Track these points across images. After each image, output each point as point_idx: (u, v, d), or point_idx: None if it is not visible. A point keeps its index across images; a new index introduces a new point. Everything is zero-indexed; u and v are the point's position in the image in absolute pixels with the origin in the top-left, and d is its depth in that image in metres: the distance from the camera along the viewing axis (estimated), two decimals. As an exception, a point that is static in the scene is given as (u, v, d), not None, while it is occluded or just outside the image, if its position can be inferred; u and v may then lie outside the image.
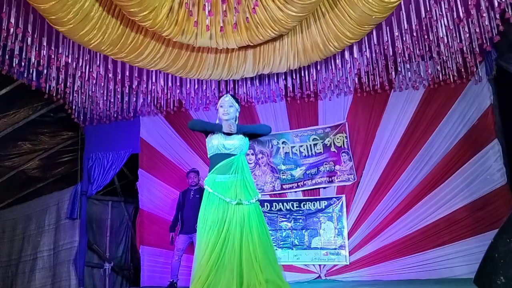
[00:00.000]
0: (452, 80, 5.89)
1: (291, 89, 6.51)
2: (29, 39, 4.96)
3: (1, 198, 8.11)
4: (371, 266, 6.05)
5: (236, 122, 3.66)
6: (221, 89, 6.66)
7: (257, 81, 6.58)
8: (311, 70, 6.20)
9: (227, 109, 3.59)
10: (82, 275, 6.97)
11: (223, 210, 3.28)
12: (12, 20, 4.62)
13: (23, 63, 5.22)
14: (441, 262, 5.75)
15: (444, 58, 5.59)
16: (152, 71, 5.97)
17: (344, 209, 6.31)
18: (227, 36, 5.04)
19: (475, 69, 5.84)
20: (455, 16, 4.88)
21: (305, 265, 6.35)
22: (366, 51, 5.62)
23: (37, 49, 5.17)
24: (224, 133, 3.51)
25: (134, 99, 6.72)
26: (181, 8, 4.65)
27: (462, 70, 5.77)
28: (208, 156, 3.57)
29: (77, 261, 7.00)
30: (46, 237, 7.40)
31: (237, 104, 3.69)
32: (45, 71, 5.59)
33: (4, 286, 7.51)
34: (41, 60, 5.32)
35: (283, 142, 6.81)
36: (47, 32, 5.07)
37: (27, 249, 7.53)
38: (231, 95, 3.76)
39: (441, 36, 5.10)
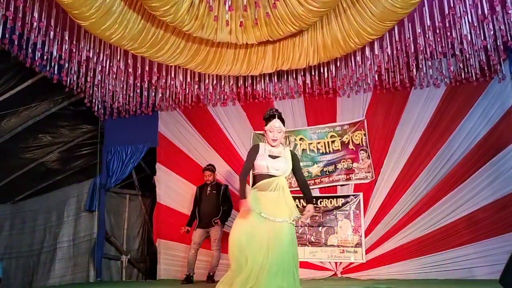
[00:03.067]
0: (474, 78, 5.77)
1: (309, 85, 6.47)
2: (52, 33, 5.04)
3: (21, 189, 8.25)
4: (388, 265, 6.00)
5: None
6: (239, 85, 6.66)
7: (275, 77, 6.56)
8: (331, 67, 6.15)
9: (276, 135, 3.57)
10: (100, 266, 7.08)
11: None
12: (36, 15, 4.70)
13: (45, 57, 5.32)
14: (460, 262, 5.67)
15: (467, 55, 5.49)
16: (171, 66, 6.00)
17: (362, 207, 6.26)
18: (247, 32, 5.04)
19: (498, 67, 5.72)
20: (479, 13, 4.79)
21: (321, 262, 6.33)
22: (387, 47, 5.55)
23: (59, 43, 5.27)
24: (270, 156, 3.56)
25: (153, 93, 6.77)
26: (201, 3, 4.66)
27: (485, 68, 5.67)
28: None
29: (95, 252, 7.11)
30: (66, 228, 7.53)
31: (284, 127, 3.66)
32: (66, 64, 5.67)
33: (25, 276, 7.67)
34: (63, 54, 5.42)
35: (300, 139, 6.79)
36: (69, 27, 5.14)
37: (48, 240, 7.67)
38: (278, 116, 3.63)
39: (465, 33, 5.01)
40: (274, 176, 3.47)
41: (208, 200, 6.19)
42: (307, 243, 6.41)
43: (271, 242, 3.27)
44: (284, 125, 3.66)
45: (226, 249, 6.49)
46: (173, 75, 6.19)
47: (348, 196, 6.40)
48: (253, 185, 3.57)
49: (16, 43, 4.93)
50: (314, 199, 6.43)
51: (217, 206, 6.17)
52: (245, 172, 3.65)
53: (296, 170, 3.70)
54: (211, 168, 6.39)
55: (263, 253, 3.25)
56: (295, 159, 3.68)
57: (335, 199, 6.44)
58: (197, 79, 6.42)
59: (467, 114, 6.04)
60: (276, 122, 3.58)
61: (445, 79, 6.16)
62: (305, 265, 6.30)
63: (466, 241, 5.72)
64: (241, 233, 3.39)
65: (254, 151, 3.63)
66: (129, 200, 8.22)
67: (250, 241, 3.31)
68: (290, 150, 3.74)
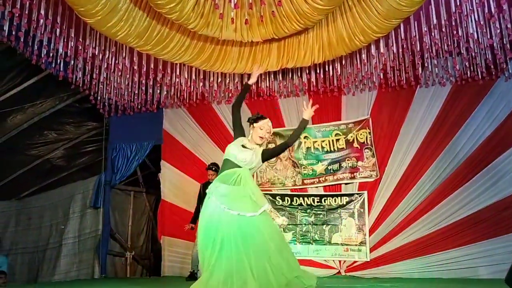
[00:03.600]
0: (480, 76, 5.75)
1: (314, 83, 6.46)
2: (58, 30, 5.06)
3: (27, 186, 8.29)
4: (392, 264, 6.00)
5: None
6: (244, 82, 6.66)
7: (280, 75, 6.56)
8: (336, 65, 6.14)
9: (265, 134, 3.53)
10: (104, 263, 7.12)
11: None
12: (42, 12, 4.72)
13: (51, 54, 5.34)
14: (464, 261, 5.67)
15: (473, 54, 5.47)
16: (176, 64, 6.01)
17: (366, 206, 6.25)
18: (252, 29, 5.04)
19: (505, 66, 5.69)
20: (486, 12, 4.77)
21: (325, 260, 6.33)
22: (392, 45, 5.53)
23: (65, 40, 5.28)
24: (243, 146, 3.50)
25: (158, 91, 6.78)
26: (207, 1, 4.68)
27: (491, 66, 5.65)
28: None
29: (99, 249, 7.15)
30: (72, 224, 7.58)
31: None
32: (72, 62, 5.70)
33: (30, 272, 7.72)
34: (69, 51, 5.43)
35: (305, 137, 6.78)
36: (75, 24, 5.16)
37: (54, 236, 7.73)
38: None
39: (471, 32, 4.98)
40: (238, 166, 3.37)
41: None
42: (311, 241, 6.41)
43: (240, 239, 3.13)
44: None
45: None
46: (178, 73, 6.20)
47: (352, 194, 6.39)
48: (220, 170, 3.50)
49: (22, 40, 4.96)
50: (318, 197, 6.50)
51: None
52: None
53: (270, 152, 3.67)
54: (215, 168, 6.38)
55: (234, 251, 3.11)
56: (264, 151, 3.55)
57: (339, 198, 6.43)
58: (202, 77, 6.42)
59: (472, 113, 6.03)
60: (269, 122, 3.57)
61: (451, 78, 6.14)
62: (308, 263, 6.32)
63: (470, 240, 5.71)
64: (202, 233, 3.27)
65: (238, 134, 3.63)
66: (134, 197, 8.26)
67: (212, 242, 3.17)
68: (261, 149, 3.60)
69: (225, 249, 3.12)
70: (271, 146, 6.87)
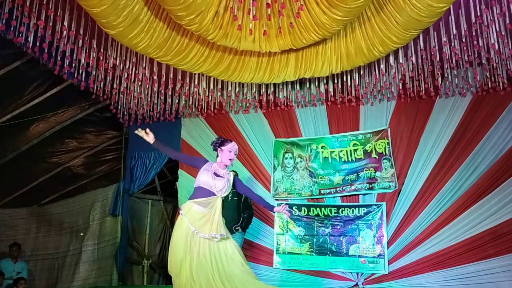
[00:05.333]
0: (501, 87, 5.68)
1: (332, 93, 6.45)
2: (80, 41, 5.18)
3: (48, 193, 8.44)
4: (411, 277, 5.90)
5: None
6: (261, 92, 6.70)
7: (297, 84, 6.57)
8: (354, 75, 6.13)
9: (233, 156, 3.85)
10: (122, 270, 7.18)
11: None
12: (66, 23, 4.84)
13: (73, 64, 5.46)
14: (485, 276, 5.55)
15: (494, 64, 5.40)
16: (194, 73, 6.08)
17: (385, 217, 6.17)
18: (270, 40, 5.07)
19: (527, 76, 5.60)
20: (507, 22, 4.71)
21: (342, 272, 6.26)
22: (412, 56, 5.50)
23: (87, 51, 5.40)
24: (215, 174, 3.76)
25: (177, 100, 6.86)
26: (226, 13, 4.72)
27: (513, 77, 5.56)
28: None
29: (117, 256, 7.21)
30: (91, 232, 7.68)
31: None
32: (93, 72, 5.81)
33: (50, 278, 7.82)
34: (91, 62, 5.55)
35: (322, 147, 6.75)
36: (97, 35, 5.28)
37: (74, 243, 7.83)
38: None
39: (492, 42, 4.93)
40: (214, 194, 3.63)
41: (228, 207, 6.19)
42: (328, 253, 6.35)
43: (215, 260, 3.50)
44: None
45: (246, 255, 6.50)
46: (196, 83, 6.28)
47: (370, 205, 6.33)
48: (192, 197, 3.71)
49: (46, 51, 5.08)
50: (336, 208, 6.45)
51: (238, 213, 6.17)
52: (177, 153, 4.25)
53: (244, 191, 4.02)
54: (235, 172, 6.41)
55: (210, 273, 3.44)
56: (237, 182, 3.90)
57: (357, 209, 6.37)
58: (220, 87, 6.48)
59: (493, 124, 5.93)
60: (235, 145, 3.88)
61: (471, 88, 6.07)
62: (325, 275, 6.27)
63: (491, 254, 5.60)
64: (178, 248, 3.55)
65: (200, 161, 3.97)
66: (152, 205, 8.32)
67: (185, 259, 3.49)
68: (233, 174, 3.94)
69: (193, 268, 3.43)
70: (288, 155, 6.89)
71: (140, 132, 3.95)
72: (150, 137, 3.97)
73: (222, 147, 3.85)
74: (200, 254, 3.48)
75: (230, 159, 3.81)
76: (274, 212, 4.22)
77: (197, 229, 3.50)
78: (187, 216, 3.57)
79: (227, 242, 3.63)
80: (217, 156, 3.91)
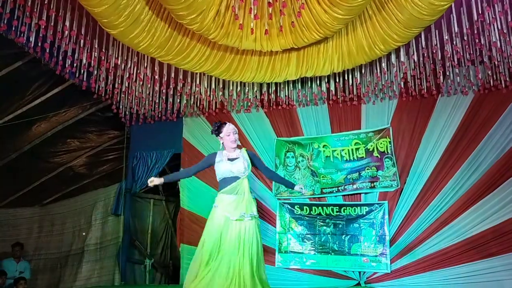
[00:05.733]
0: (503, 85, 5.67)
1: (333, 92, 6.45)
2: (82, 41, 5.19)
3: (50, 193, 8.46)
4: (413, 275, 5.89)
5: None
6: (263, 92, 6.70)
7: (299, 83, 6.57)
8: (355, 74, 6.13)
9: (233, 136, 3.90)
10: (124, 270, 7.19)
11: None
12: (67, 23, 4.85)
13: (75, 64, 5.47)
14: (488, 274, 5.53)
15: (496, 63, 5.39)
16: (196, 73, 6.08)
17: (387, 216, 6.17)
18: (271, 39, 5.07)
19: (529, 74, 5.59)
20: (509, 20, 4.70)
21: (345, 271, 6.26)
22: (413, 54, 5.50)
23: (88, 51, 5.41)
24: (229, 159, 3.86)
25: (178, 100, 6.87)
26: (227, 12, 4.72)
27: (515, 75, 5.55)
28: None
29: (120, 256, 7.23)
30: (94, 231, 7.69)
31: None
32: (95, 72, 5.82)
33: (53, 278, 7.84)
34: (92, 62, 5.56)
35: (324, 146, 6.75)
36: (99, 35, 5.29)
37: (76, 243, 7.85)
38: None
39: (494, 40, 4.92)
40: (237, 177, 3.73)
41: None
42: (330, 251, 6.34)
43: (242, 240, 3.59)
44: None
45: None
46: (198, 82, 6.29)
47: (372, 204, 6.32)
48: (219, 190, 3.83)
49: (47, 51, 5.09)
50: (338, 207, 6.44)
51: None
52: (188, 169, 4.30)
53: (259, 167, 4.09)
54: None
55: (237, 251, 3.55)
56: (253, 157, 3.98)
57: (359, 207, 6.36)
58: (221, 86, 6.49)
59: (495, 123, 5.91)
60: (230, 125, 3.96)
61: (473, 87, 6.06)
62: (328, 273, 6.27)
63: (494, 252, 5.58)
64: (210, 237, 3.65)
65: (209, 158, 4.00)
66: (153, 205, 8.32)
67: (221, 244, 3.60)
68: (246, 150, 4.00)
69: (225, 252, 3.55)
70: (290, 154, 6.89)
71: (151, 183, 3.96)
72: (158, 181, 3.94)
73: (221, 135, 3.93)
74: (232, 237, 3.59)
75: (233, 141, 3.86)
76: (294, 189, 4.30)
77: (230, 214, 3.62)
78: (220, 205, 3.69)
79: (252, 222, 3.72)
80: (222, 143, 3.98)
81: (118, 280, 7.17)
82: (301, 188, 4.21)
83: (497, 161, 5.82)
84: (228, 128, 3.92)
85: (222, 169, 3.79)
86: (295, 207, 6.63)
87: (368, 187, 6.39)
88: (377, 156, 6.42)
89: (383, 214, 6.21)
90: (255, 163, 3.99)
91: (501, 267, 5.51)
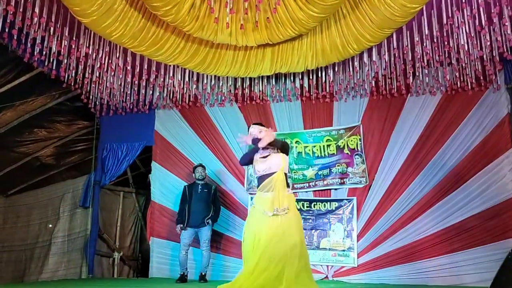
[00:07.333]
0: (470, 87, 5.85)
1: (307, 89, 6.52)
2: (52, 28, 5.04)
3: (15, 183, 8.22)
4: (379, 270, 6.05)
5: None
6: (237, 86, 6.70)
7: (273, 79, 6.60)
8: (329, 71, 6.21)
9: (255, 135, 4.10)
10: (92, 263, 7.08)
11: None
12: (37, 10, 4.69)
13: (44, 52, 5.31)
14: (450, 269, 5.73)
15: (463, 65, 5.55)
16: (169, 65, 6.02)
17: (355, 212, 6.30)
18: (246, 34, 5.07)
19: (494, 77, 5.80)
20: (477, 24, 4.86)
21: (313, 265, 6.31)
22: (385, 54, 5.61)
23: (58, 38, 5.26)
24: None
25: (151, 92, 6.78)
26: (202, 5, 4.70)
27: (481, 77, 5.75)
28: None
29: (87, 249, 7.11)
30: (61, 223, 7.53)
31: (260, 126, 4.22)
32: (65, 60, 5.66)
33: (16, 270, 7.63)
34: (62, 50, 5.40)
35: (296, 142, 6.81)
36: (70, 23, 5.14)
37: (43, 235, 7.67)
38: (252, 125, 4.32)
39: (462, 43, 5.07)
40: (270, 174, 3.85)
41: (199, 199, 6.18)
42: (300, 246, 6.42)
43: (277, 234, 3.69)
44: (261, 125, 4.23)
45: (215, 248, 6.50)
46: (171, 74, 6.22)
47: (341, 200, 6.44)
48: (258, 187, 4.01)
49: (15, 37, 4.92)
50: (308, 202, 6.53)
51: (208, 205, 6.18)
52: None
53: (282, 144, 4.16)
54: (203, 165, 6.44)
55: (273, 245, 3.65)
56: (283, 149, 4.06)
57: (328, 203, 6.48)
58: (195, 79, 6.44)
59: (461, 123, 6.11)
60: (251, 128, 4.16)
61: (441, 87, 6.23)
62: (297, 267, 6.34)
63: (456, 248, 5.78)
64: (250, 233, 3.83)
65: (252, 152, 4.16)
66: (123, 198, 8.22)
67: (259, 239, 3.72)
68: (279, 150, 4.07)
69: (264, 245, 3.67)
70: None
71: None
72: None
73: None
74: (269, 232, 3.71)
75: (255, 139, 4.00)
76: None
77: (267, 210, 3.74)
78: (257, 204, 3.84)
79: (285, 217, 3.79)
80: None
81: (85, 273, 7.06)
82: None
83: (462, 160, 6.03)
84: (250, 129, 4.19)
85: (255, 168, 4.03)
86: (266, 201, 6.67)
87: (338, 183, 6.51)
88: (347, 153, 6.54)
89: (351, 209, 6.34)
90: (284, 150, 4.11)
91: (463, 262, 5.71)
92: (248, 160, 4.24)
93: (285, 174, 3.96)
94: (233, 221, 6.76)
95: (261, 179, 3.87)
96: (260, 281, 3.57)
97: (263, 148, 4.00)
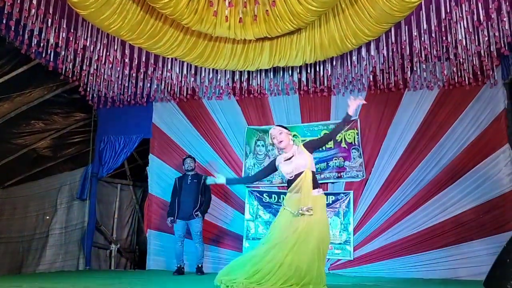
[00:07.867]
0: (467, 82, 5.88)
1: (305, 83, 6.52)
2: (50, 20, 5.01)
3: (12, 175, 8.20)
4: (375, 263, 6.12)
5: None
6: (235, 80, 6.70)
7: (271, 73, 6.60)
8: (327, 65, 6.21)
9: (276, 141, 3.96)
10: (89, 255, 7.11)
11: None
12: (34, 1, 4.66)
13: (41, 44, 5.28)
14: (445, 262, 5.81)
15: (461, 60, 5.58)
16: (167, 58, 6.00)
17: (352, 205, 6.35)
18: (245, 28, 5.06)
19: (491, 73, 5.83)
20: (475, 19, 4.87)
21: (310, 258, 6.40)
22: (383, 49, 5.62)
23: (56, 30, 5.23)
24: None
25: (149, 84, 6.77)
26: (201, -3, 4.67)
27: (478, 72, 5.79)
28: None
29: (85, 241, 7.13)
30: (59, 215, 7.54)
31: (281, 128, 4.06)
32: (62, 52, 5.64)
33: (14, 262, 7.63)
34: (60, 42, 5.38)
35: (293, 135, 6.78)
36: (67, 15, 5.12)
37: (40, 227, 7.67)
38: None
39: (460, 38, 5.09)
40: (298, 175, 3.76)
41: (189, 191, 6.19)
42: (296, 239, 6.46)
43: (300, 234, 3.61)
44: (282, 127, 4.07)
45: (207, 240, 6.48)
46: (169, 67, 6.20)
47: (338, 193, 6.48)
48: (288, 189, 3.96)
49: (12, 29, 4.89)
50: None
51: (197, 197, 6.17)
52: (252, 175, 4.21)
53: (316, 143, 4.26)
54: (192, 156, 6.46)
55: (292, 246, 3.58)
56: (307, 145, 3.98)
57: (325, 196, 6.49)
58: (193, 72, 6.42)
59: (458, 118, 6.16)
60: (272, 130, 4.05)
61: (439, 82, 6.26)
62: (293, 260, 6.38)
63: (451, 242, 5.85)
64: (275, 229, 3.78)
65: (271, 164, 4.13)
66: (120, 190, 8.23)
67: (283, 237, 3.65)
68: (298, 142, 4.05)
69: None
70: (260, 143, 6.95)
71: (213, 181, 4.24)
72: (220, 180, 4.17)
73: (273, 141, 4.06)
74: (291, 231, 3.65)
75: (277, 142, 3.93)
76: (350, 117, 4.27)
77: (295, 210, 3.68)
78: (287, 205, 3.78)
79: (309, 219, 3.70)
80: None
81: (82, 265, 7.09)
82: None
83: (458, 155, 6.08)
84: (271, 135, 4.04)
85: (282, 171, 3.95)
86: (264, 195, 6.72)
87: (335, 177, 6.55)
88: (344, 147, 6.57)
89: (348, 203, 6.38)
90: (313, 145, 4.08)
91: (457, 256, 5.79)
92: (263, 175, 4.35)
93: (313, 172, 3.85)
94: (234, 215, 6.79)
95: (291, 181, 3.83)
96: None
97: (284, 150, 3.93)
